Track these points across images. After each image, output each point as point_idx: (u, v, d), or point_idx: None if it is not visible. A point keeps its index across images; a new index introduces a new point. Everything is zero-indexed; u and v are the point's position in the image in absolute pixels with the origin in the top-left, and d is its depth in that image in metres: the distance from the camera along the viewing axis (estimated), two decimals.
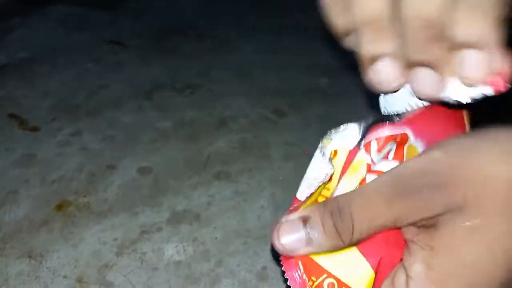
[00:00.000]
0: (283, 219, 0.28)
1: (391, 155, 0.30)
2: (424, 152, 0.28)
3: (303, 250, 0.27)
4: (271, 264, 0.65)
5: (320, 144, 0.31)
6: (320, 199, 0.29)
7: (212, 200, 0.76)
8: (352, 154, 0.28)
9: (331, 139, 0.31)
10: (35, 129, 0.92)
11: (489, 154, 0.26)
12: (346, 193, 0.27)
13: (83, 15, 1.36)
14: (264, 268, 0.65)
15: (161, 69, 1.12)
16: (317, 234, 0.26)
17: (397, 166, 0.27)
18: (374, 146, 0.29)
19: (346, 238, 0.26)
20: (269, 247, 0.68)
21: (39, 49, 1.20)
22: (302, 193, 0.31)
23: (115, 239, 0.69)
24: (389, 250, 0.28)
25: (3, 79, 1.07)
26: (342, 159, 0.28)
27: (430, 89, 0.28)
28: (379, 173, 0.29)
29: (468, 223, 0.25)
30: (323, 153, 0.30)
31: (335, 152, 0.28)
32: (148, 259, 0.66)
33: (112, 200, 0.76)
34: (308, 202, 0.29)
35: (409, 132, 0.30)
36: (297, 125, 0.94)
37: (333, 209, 0.26)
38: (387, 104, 0.31)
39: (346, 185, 0.29)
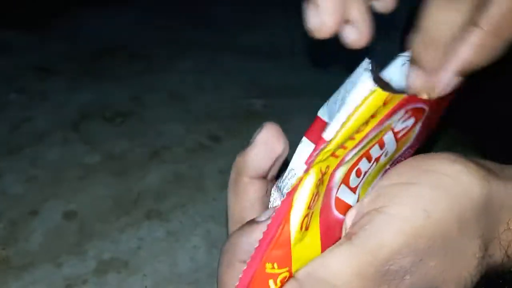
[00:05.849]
0: None
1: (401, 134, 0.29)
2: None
3: None
4: None
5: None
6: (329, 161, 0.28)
7: (142, 244, 0.72)
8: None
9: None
10: None
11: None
12: None
13: (5, 39, 1.28)
14: None
15: (90, 96, 1.06)
16: None
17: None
18: (399, 115, 0.27)
19: None
20: None
21: None
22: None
23: None
24: None
25: None
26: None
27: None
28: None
29: None
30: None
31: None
32: None
33: (34, 251, 0.70)
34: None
35: (426, 108, 0.28)
36: (233, 151, 0.91)
37: None
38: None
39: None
